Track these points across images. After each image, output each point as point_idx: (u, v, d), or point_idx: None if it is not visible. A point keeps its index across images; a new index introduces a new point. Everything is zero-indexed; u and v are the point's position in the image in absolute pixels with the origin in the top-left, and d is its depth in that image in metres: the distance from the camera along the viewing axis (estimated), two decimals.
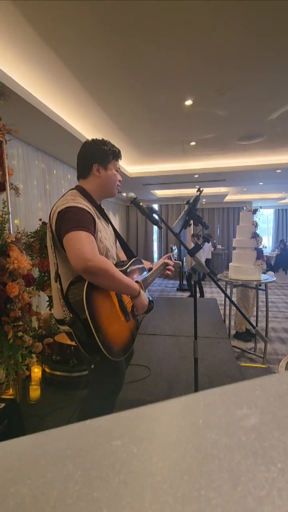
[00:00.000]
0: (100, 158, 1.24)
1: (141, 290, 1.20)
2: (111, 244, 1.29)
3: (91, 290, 1.03)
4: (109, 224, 1.37)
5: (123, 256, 1.45)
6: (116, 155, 1.28)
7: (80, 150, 1.28)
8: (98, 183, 1.26)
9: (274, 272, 7.71)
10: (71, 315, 1.02)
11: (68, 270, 1.13)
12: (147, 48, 1.89)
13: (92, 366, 1.10)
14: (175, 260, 1.67)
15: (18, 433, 1.56)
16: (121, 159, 1.33)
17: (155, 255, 10.01)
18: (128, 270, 1.30)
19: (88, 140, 1.29)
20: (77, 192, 1.21)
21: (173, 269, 1.61)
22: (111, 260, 1.26)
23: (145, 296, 1.23)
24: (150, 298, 1.41)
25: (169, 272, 1.60)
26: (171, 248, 1.75)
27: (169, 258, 1.66)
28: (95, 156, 1.25)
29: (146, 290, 1.40)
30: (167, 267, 1.60)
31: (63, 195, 1.21)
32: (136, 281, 1.23)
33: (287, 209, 10.21)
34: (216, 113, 2.92)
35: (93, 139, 1.28)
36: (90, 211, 1.14)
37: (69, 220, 1.07)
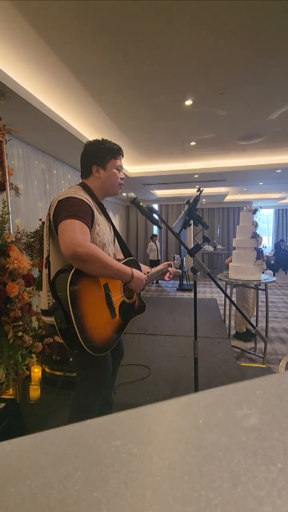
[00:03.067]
0: (98, 158, 1.26)
1: (134, 272, 1.22)
2: (109, 241, 1.30)
3: (77, 277, 1.05)
4: (110, 223, 1.37)
5: (121, 257, 1.46)
6: (115, 153, 1.28)
7: (82, 152, 1.31)
8: (100, 183, 1.28)
9: (274, 272, 7.70)
10: (54, 300, 1.05)
11: (59, 257, 1.15)
12: (147, 48, 1.89)
13: (70, 359, 1.12)
14: (176, 268, 1.69)
15: (18, 433, 1.56)
16: (122, 156, 1.33)
17: None
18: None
19: (89, 141, 1.30)
20: (80, 188, 1.24)
21: (171, 276, 1.62)
22: None
23: (139, 277, 1.24)
24: (143, 301, 1.42)
25: (167, 279, 1.62)
26: (174, 257, 1.78)
27: (170, 266, 1.67)
28: (93, 157, 1.27)
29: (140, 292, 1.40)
30: (167, 274, 1.61)
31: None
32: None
33: (287, 209, 10.21)
34: (216, 113, 2.92)
35: (93, 140, 1.29)
36: (89, 204, 1.16)
37: (67, 208, 1.09)
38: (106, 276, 1.16)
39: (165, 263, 1.66)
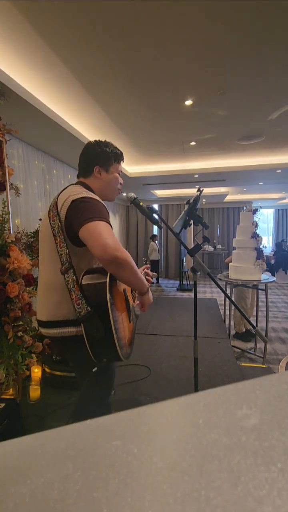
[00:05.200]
0: (102, 160, 1.24)
1: (149, 287, 1.22)
2: None
3: (112, 283, 1.01)
4: None
5: None
6: (118, 157, 1.28)
7: (83, 150, 1.28)
8: (99, 184, 1.25)
9: (274, 272, 7.70)
10: (88, 308, 0.97)
11: (80, 261, 1.09)
12: (147, 48, 1.89)
13: (94, 369, 1.04)
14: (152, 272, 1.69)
15: (18, 433, 1.56)
16: (123, 161, 1.32)
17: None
18: None
19: (91, 141, 1.28)
20: (82, 187, 1.17)
21: (151, 280, 1.61)
22: None
23: (151, 293, 1.25)
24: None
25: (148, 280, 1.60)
26: (145, 261, 1.80)
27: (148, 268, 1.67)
28: (97, 158, 1.24)
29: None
30: (146, 277, 1.60)
31: (66, 188, 1.17)
32: None
33: (287, 209, 10.21)
34: (216, 113, 2.92)
35: (96, 141, 1.28)
36: (105, 206, 1.12)
37: (89, 209, 1.02)
38: (131, 284, 1.13)
39: (144, 266, 1.65)
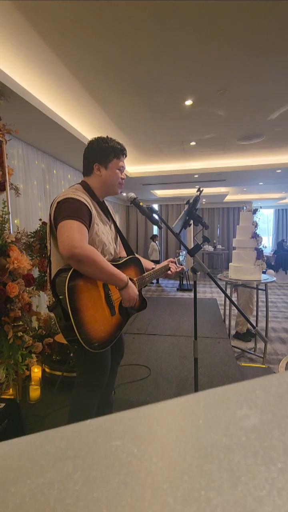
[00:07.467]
0: (100, 157, 1.26)
1: (130, 283, 1.21)
2: (109, 239, 1.30)
3: (76, 277, 1.07)
4: (111, 221, 1.38)
5: (124, 255, 1.46)
6: (118, 153, 1.28)
7: (85, 149, 1.31)
8: (100, 181, 1.28)
9: (275, 272, 7.70)
10: (54, 299, 1.09)
11: (59, 257, 1.18)
12: (147, 48, 1.89)
13: (71, 354, 1.19)
14: (180, 264, 1.66)
15: (18, 433, 1.56)
16: (125, 156, 1.32)
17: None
18: (121, 265, 1.31)
19: (92, 138, 1.30)
20: (80, 187, 1.25)
21: (174, 271, 1.57)
22: (107, 255, 1.28)
23: (133, 289, 1.23)
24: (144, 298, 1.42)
25: (169, 272, 1.58)
26: (179, 253, 1.77)
27: (174, 262, 1.63)
28: (96, 155, 1.27)
29: (141, 289, 1.41)
30: (169, 270, 1.58)
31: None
32: (130, 279, 1.24)
33: (287, 209, 10.21)
34: (216, 113, 2.92)
35: (97, 138, 1.29)
36: (87, 204, 1.17)
37: (65, 209, 1.12)
38: (100, 279, 1.16)
39: (169, 259, 1.65)
